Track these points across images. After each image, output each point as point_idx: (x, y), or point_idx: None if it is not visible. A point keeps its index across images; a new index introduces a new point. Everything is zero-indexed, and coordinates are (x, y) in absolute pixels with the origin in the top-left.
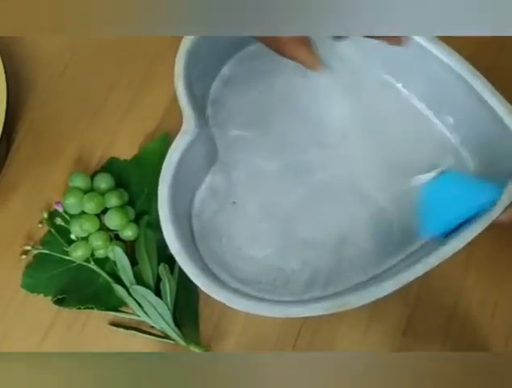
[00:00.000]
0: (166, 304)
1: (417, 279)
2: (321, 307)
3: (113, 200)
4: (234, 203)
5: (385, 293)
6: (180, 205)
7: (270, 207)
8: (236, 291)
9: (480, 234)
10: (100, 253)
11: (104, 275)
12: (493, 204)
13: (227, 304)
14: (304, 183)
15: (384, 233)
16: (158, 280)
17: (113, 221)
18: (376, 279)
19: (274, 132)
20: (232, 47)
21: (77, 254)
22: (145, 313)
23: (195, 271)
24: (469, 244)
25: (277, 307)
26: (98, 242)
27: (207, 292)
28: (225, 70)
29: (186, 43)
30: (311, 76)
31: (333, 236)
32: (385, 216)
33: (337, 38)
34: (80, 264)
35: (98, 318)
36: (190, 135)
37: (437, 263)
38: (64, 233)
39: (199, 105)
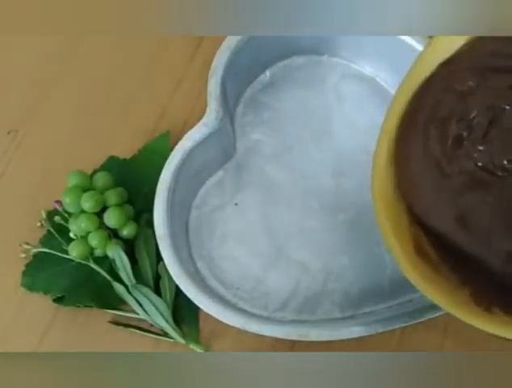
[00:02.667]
0: (166, 302)
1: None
2: (279, 330)
3: (112, 199)
4: (236, 204)
5: (351, 336)
6: (182, 194)
7: (270, 218)
8: (205, 288)
9: None
10: (99, 252)
11: (103, 273)
12: None
13: (187, 294)
14: (310, 206)
15: (373, 279)
16: (158, 278)
17: (112, 219)
18: (350, 320)
19: (295, 147)
20: (280, 54)
21: (76, 252)
22: (145, 311)
23: (172, 259)
24: None
25: (240, 318)
26: (97, 241)
27: (175, 278)
28: (267, 74)
29: (231, 41)
30: (345, 100)
31: (322, 266)
32: (379, 263)
33: None
34: (79, 263)
35: (97, 316)
36: (209, 128)
37: (412, 323)
38: (63, 232)
39: (227, 102)
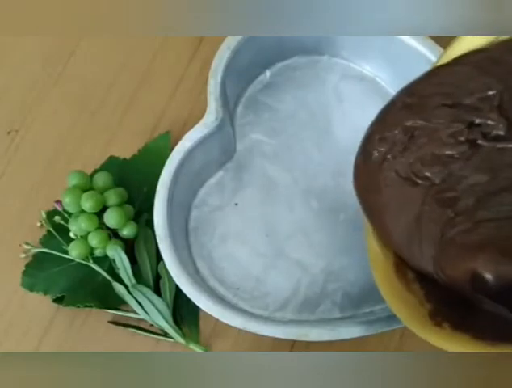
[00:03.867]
0: (166, 302)
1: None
2: (279, 330)
3: (112, 199)
4: (236, 204)
5: (351, 337)
6: (182, 194)
7: (270, 218)
8: (205, 288)
9: None
10: (99, 251)
11: (103, 273)
12: None
13: (187, 295)
14: (310, 207)
15: (373, 279)
16: (158, 278)
17: (112, 219)
18: (350, 320)
19: (295, 147)
20: (280, 54)
21: (76, 252)
22: (145, 311)
23: (172, 259)
24: None
25: (240, 318)
26: (97, 241)
27: (175, 278)
28: (267, 74)
29: (231, 41)
30: (345, 100)
31: (322, 266)
32: None
33: None
34: (79, 263)
35: (97, 316)
36: (209, 128)
37: None
38: (63, 232)
39: (227, 102)
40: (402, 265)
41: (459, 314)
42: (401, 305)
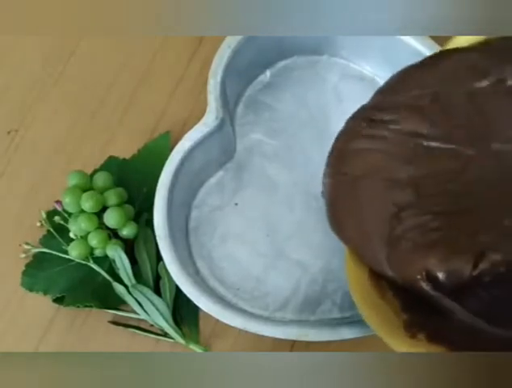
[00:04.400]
0: (166, 302)
1: None
2: (279, 330)
3: (112, 199)
4: (236, 204)
5: (351, 337)
6: (182, 194)
7: (270, 218)
8: (205, 288)
9: None
10: (99, 252)
11: (103, 273)
12: None
13: (187, 294)
14: (310, 207)
15: None
16: (158, 278)
17: (112, 219)
18: (350, 320)
19: (294, 147)
20: (280, 54)
21: (76, 252)
22: (145, 311)
23: (171, 259)
24: None
25: (240, 318)
26: (96, 241)
27: (175, 278)
28: (268, 74)
29: (231, 41)
30: (345, 100)
31: (321, 266)
32: None
33: None
34: (79, 263)
35: (97, 316)
36: (209, 128)
37: None
38: (63, 232)
39: (227, 102)
40: (375, 274)
41: (434, 326)
42: (373, 313)
